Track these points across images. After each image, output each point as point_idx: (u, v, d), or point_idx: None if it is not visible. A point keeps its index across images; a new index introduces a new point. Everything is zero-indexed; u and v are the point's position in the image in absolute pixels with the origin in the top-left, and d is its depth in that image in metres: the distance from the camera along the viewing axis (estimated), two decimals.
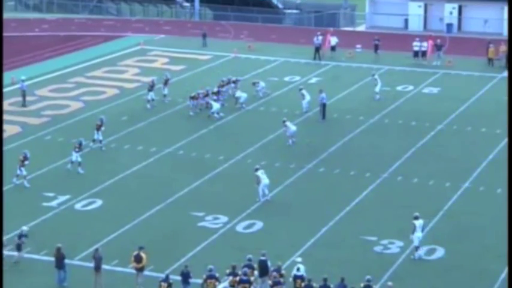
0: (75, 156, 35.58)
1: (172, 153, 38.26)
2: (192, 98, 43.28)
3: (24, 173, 34.09)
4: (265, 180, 32.65)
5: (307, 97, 43.19)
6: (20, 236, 27.95)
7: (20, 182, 34.05)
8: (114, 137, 40.04)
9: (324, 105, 42.32)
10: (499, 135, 40.07)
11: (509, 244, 26.87)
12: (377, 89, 45.18)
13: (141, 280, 26.50)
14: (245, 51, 56.01)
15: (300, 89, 44.05)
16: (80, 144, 36.04)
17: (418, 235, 28.15)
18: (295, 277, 25.02)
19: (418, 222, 28.24)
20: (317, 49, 53.42)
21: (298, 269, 25.23)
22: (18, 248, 27.91)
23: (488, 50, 52.25)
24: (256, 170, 32.99)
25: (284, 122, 38.95)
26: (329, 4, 68.55)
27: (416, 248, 28.27)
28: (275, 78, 50.13)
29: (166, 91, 45.19)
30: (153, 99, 44.09)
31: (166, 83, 45.29)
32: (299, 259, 26.10)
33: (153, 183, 34.79)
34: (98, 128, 38.34)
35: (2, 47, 47.88)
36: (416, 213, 28.55)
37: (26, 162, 34.19)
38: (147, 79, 48.35)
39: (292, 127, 38.65)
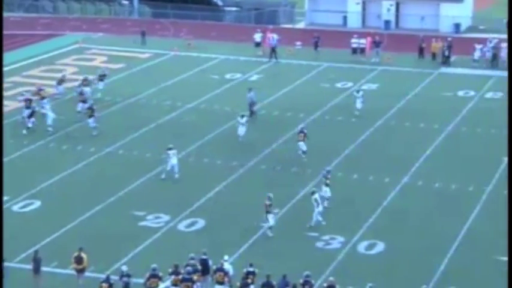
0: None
1: (112, 152, 37.88)
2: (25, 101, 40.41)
3: (271, 223, 29.70)
4: (320, 206, 30.36)
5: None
6: (122, 276, 24.99)
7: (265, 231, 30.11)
8: (53, 137, 39.47)
9: (252, 104, 41.93)
10: (436, 130, 40.74)
11: (509, 244, 26.96)
12: (358, 105, 42.11)
13: (81, 281, 26.17)
14: (185, 49, 55.80)
15: (249, 89, 42.44)
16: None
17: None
18: (217, 269, 25.27)
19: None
20: (273, 49, 53.09)
21: (222, 264, 25.45)
22: None
23: (432, 45, 53.07)
24: (313, 193, 30.62)
25: (169, 149, 34.61)
26: (269, 1, 68.72)
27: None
28: (215, 76, 50.08)
29: (101, 86, 45.17)
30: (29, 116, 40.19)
31: (100, 78, 45.44)
32: (226, 257, 26.11)
33: (93, 184, 34.40)
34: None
35: (2, 46, 47.10)
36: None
37: (272, 208, 29.89)
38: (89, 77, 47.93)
39: (173, 159, 34.45)
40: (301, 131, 37.15)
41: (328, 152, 37.59)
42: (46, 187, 34.06)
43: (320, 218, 30.34)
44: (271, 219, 29.73)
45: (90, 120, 39.72)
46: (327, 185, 31.93)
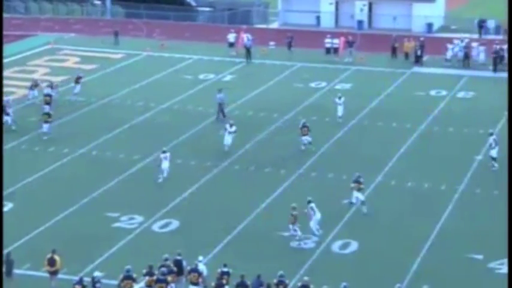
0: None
1: (86, 153, 37.68)
2: None
3: (299, 233, 29.43)
4: (317, 214, 29.89)
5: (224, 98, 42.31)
6: (94, 283, 24.72)
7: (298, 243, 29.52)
8: (24, 139, 39.19)
9: (220, 104, 41.63)
10: (409, 129, 40.99)
11: (509, 243, 27.04)
12: (340, 112, 41.58)
13: (54, 284, 26.01)
14: (158, 49, 55.65)
15: (219, 90, 42.45)
16: None
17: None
18: (191, 270, 25.26)
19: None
20: (248, 50, 53.09)
21: (196, 265, 25.43)
22: None
23: (404, 45, 53.42)
24: (309, 202, 29.93)
25: (164, 152, 34.78)
26: (242, 2, 68.73)
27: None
28: (189, 76, 50.00)
29: (77, 90, 44.77)
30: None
31: (77, 81, 44.88)
32: (201, 257, 26.14)
33: (67, 185, 34.20)
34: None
35: (2, 46, 46.51)
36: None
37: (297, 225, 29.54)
38: (58, 79, 47.64)
39: (165, 163, 34.44)
40: (304, 125, 37.67)
41: (302, 152, 37.66)
42: (19, 188, 33.78)
43: (317, 227, 29.90)
44: (299, 230, 29.47)
45: (45, 126, 39.01)
46: (359, 189, 31.86)
